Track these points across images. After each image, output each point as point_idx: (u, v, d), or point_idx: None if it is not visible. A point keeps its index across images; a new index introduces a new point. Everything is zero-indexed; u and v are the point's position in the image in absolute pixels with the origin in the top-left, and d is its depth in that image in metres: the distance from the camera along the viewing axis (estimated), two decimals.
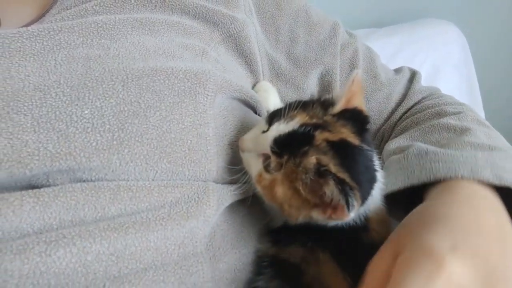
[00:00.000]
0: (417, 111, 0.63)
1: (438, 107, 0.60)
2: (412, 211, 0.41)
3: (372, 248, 0.39)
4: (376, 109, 0.67)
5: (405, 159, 0.49)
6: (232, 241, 0.47)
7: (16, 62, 0.40)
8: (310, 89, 0.65)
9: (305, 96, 0.64)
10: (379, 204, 0.47)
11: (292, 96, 0.64)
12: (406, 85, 0.69)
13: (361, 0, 1.38)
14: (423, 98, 0.67)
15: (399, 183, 0.47)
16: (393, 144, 0.57)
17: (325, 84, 0.65)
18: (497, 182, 0.42)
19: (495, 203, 0.41)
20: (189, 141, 0.44)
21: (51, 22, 0.46)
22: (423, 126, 0.57)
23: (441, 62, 1.16)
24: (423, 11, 1.37)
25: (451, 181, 0.44)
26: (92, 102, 0.40)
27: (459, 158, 0.45)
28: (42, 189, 0.36)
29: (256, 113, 0.58)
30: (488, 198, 0.42)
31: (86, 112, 0.39)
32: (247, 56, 0.58)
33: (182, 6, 0.52)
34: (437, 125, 0.55)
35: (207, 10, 0.54)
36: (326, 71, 0.65)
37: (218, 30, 0.55)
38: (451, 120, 0.55)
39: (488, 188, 0.43)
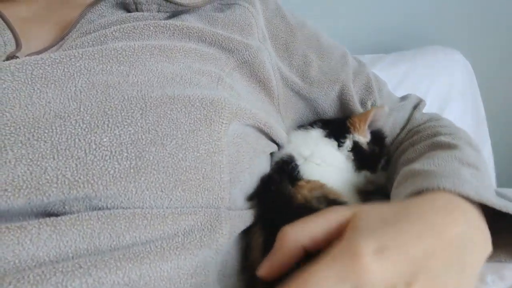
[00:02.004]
0: (414, 133, 0.64)
1: (434, 129, 0.62)
2: (378, 205, 0.39)
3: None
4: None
5: (395, 188, 0.51)
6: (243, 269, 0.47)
7: (38, 89, 0.40)
8: (327, 106, 0.66)
9: (323, 113, 0.67)
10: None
11: (310, 114, 0.66)
12: (410, 111, 0.70)
13: (367, 26, 1.40)
14: (423, 122, 0.68)
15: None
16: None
17: (344, 105, 0.66)
18: (476, 198, 0.40)
19: (470, 214, 0.39)
20: (203, 169, 0.44)
21: (72, 47, 0.47)
22: (417, 146, 0.58)
23: (447, 90, 1.16)
24: (428, 38, 1.39)
25: (431, 191, 0.42)
26: (111, 130, 0.40)
27: (442, 172, 0.44)
28: (59, 218, 0.36)
29: (271, 139, 0.59)
30: (462, 208, 0.40)
31: (105, 140, 0.39)
32: (261, 81, 0.59)
33: (199, 34, 0.53)
34: (430, 144, 0.56)
35: (223, 38, 0.55)
36: (341, 92, 0.65)
37: (233, 56, 0.56)
38: (443, 138, 0.56)
39: (469, 202, 0.41)
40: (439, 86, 1.17)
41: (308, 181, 0.54)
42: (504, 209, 0.41)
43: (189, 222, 0.42)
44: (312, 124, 0.64)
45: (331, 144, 0.60)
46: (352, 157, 0.60)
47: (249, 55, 0.56)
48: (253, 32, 0.59)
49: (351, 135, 0.60)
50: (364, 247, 0.32)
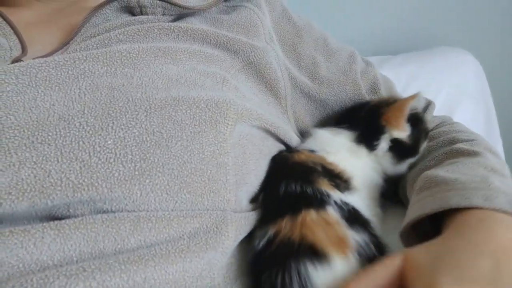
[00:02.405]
0: (429, 139, 0.62)
1: (450, 134, 0.60)
2: (425, 244, 0.39)
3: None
4: None
5: (417, 194, 0.48)
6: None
7: (42, 92, 0.40)
8: (338, 107, 0.65)
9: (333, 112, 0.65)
10: None
11: (321, 115, 0.65)
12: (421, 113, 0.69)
13: (375, 27, 1.39)
14: (435, 126, 0.67)
15: (412, 215, 0.45)
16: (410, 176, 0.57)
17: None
18: (510, 209, 0.40)
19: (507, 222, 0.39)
20: (209, 171, 0.44)
21: (76, 50, 0.47)
22: (436, 154, 0.56)
23: (457, 91, 1.14)
24: (437, 39, 1.38)
25: (465, 210, 0.41)
26: (115, 132, 0.40)
27: (471, 183, 0.43)
28: (63, 221, 0.36)
29: (278, 139, 0.58)
30: (499, 219, 0.39)
31: (109, 142, 0.39)
32: (267, 82, 0.58)
33: (204, 36, 0.53)
34: (449, 151, 0.54)
35: (228, 39, 0.54)
36: (353, 93, 0.65)
37: (238, 58, 0.56)
38: (463, 146, 0.54)
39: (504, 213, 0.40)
40: (449, 88, 1.15)
41: (311, 152, 0.55)
42: None
43: (195, 225, 0.41)
44: (339, 122, 0.61)
45: (359, 152, 0.57)
46: (391, 154, 0.57)
47: (255, 56, 0.56)
48: (259, 34, 0.58)
49: (387, 135, 0.56)
50: (444, 282, 0.33)
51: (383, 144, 0.56)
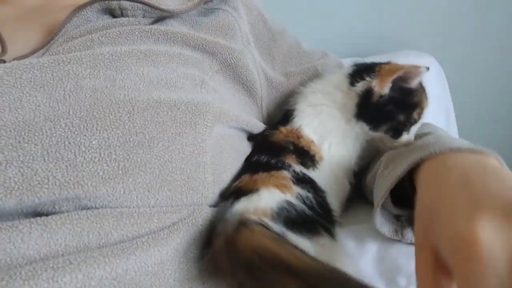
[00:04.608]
0: None
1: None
2: (418, 202, 0.39)
3: None
4: None
5: (384, 169, 0.53)
6: None
7: (27, 93, 0.41)
8: None
9: None
10: None
11: None
12: None
13: (341, 30, 1.43)
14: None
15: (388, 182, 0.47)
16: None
17: None
18: (469, 147, 0.41)
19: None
20: (188, 170, 0.46)
21: (59, 52, 0.48)
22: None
23: None
24: (402, 43, 1.43)
25: (430, 160, 0.42)
26: (100, 132, 0.41)
27: (428, 145, 0.46)
28: (49, 217, 0.37)
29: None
30: (470, 157, 0.40)
31: (94, 142, 0.41)
32: (244, 83, 0.61)
33: (184, 38, 0.55)
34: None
35: (206, 42, 0.56)
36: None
37: (216, 60, 0.58)
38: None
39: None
40: None
41: (291, 129, 0.59)
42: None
43: (173, 220, 0.44)
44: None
45: (341, 86, 0.59)
46: (357, 102, 0.57)
47: (232, 58, 0.59)
48: (236, 36, 0.61)
49: (369, 81, 0.56)
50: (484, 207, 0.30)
51: (361, 86, 0.57)
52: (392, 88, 0.55)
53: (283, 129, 0.59)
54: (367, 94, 0.56)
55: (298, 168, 0.55)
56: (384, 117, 0.56)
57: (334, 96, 0.59)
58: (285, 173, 0.53)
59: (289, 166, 0.54)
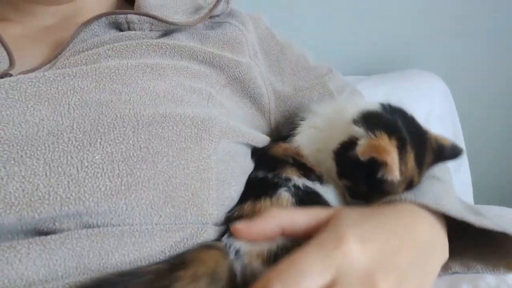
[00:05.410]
0: None
1: None
2: (354, 207, 0.43)
3: None
4: None
5: None
6: None
7: (32, 107, 0.40)
8: None
9: None
10: None
11: None
12: None
13: (348, 48, 1.43)
14: None
15: None
16: None
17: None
18: (434, 207, 0.45)
19: (433, 223, 0.45)
20: (193, 186, 0.45)
21: (65, 66, 0.47)
22: None
23: (426, 114, 1.19)
24: (409, 62, 1.43)
25: (398, 201, 0.46)
26: (103, 147, 0.40)
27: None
28: (48, 237, 0.36)
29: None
30: (425, 217, 0.44)
31: (97, 157, 0.40)
32: (252, 96, 0.61)
33: (191, 52, 0.55)
34: None
35: (213, 56, 0.56)
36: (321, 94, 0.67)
37: (224, 73, 0.57)
38: None
39: (431, 212, 0.45)
40: (418, 110, 1.19)
41: (289, 145, 0.57)
42: (459, 217, 0.44)
43: (176, 239, 0.42)
44: None
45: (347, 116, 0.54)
46: (341, 141, 0.51)
47: (239, 72, 0.58)
48: (243, 50, 0.61)
49: (363, 134, 0.48)
50: (348, 234, 0.35)
51: (354, 132, 0.50)
52: (369, 161, 0.47)
53: (282, 144, 0.58)
54: (350, 143, 0.50)
55: (300, 181, 0.51)
56: (349, 175, 0.52)
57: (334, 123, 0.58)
58: (284, 196, 0.49)
59: (288, 180, 0.51)
